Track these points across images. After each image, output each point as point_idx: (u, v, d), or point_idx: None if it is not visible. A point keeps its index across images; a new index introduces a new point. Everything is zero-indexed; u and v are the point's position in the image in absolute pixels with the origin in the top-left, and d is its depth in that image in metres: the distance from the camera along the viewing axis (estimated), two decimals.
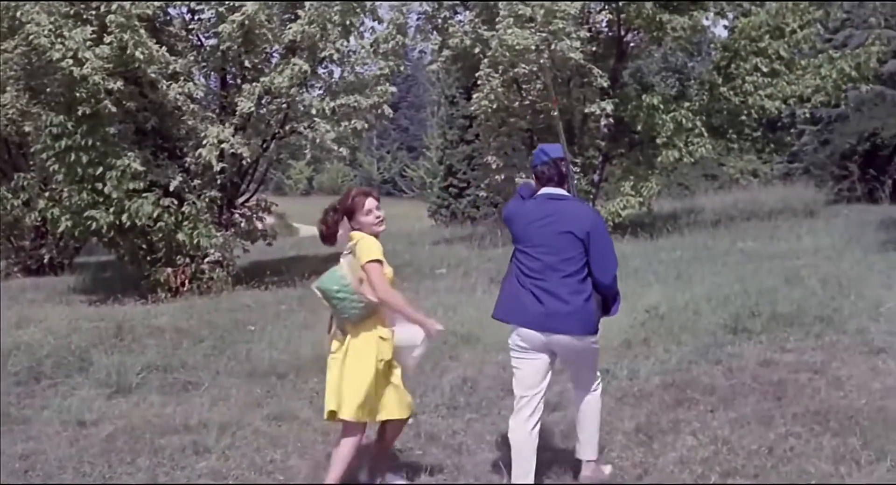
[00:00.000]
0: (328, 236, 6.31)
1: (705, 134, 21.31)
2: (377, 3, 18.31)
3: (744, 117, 22.19)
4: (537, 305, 5.84)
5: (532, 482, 5.92)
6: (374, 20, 18.65)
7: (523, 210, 6.09)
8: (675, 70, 29.47)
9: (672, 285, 13.01)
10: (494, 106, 21.19)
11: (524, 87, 22.11)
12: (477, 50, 21.41)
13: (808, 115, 26.30)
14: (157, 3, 16.80)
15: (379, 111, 18.06)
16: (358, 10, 17.83)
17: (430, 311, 12.29)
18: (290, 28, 17.12)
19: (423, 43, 23.94)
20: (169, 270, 16.69)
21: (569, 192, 6.09)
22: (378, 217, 6.13)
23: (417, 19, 23.88)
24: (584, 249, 5.88)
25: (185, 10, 18.27)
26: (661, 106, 21.03)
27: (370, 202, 6.11)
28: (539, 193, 6.10)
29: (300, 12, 17.34)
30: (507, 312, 6.01)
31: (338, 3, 17.18)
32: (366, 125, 17.85)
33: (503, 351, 9.77)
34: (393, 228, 33.75)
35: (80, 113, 15.70)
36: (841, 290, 11.73)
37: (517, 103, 21.95)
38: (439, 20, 23.27)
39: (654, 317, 10.89)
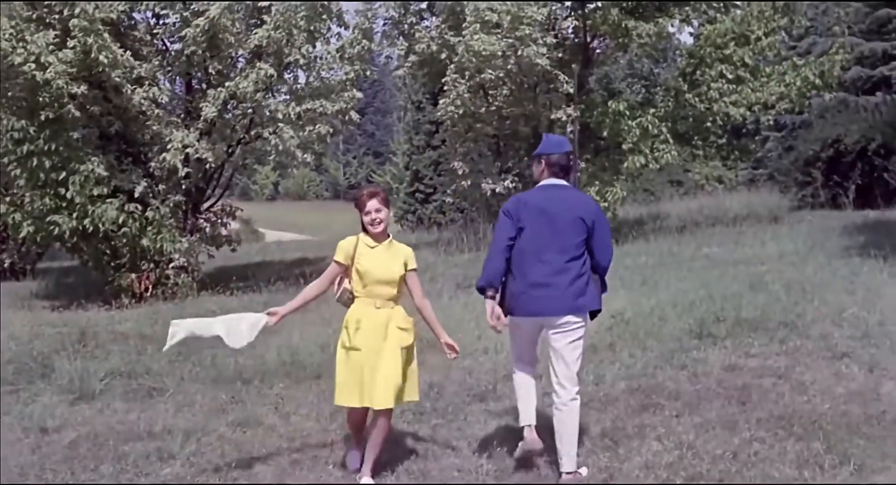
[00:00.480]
0: None
1: (671, 140, 21.37)
2: (343, 8, 18.28)
3: (709, 124, 22.28)
4: (551, 291, 6.35)
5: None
6: (340, 26, 18.67)
7: (533, 198, 6.46)
8: (641, 76, 29.58)
9: (637, 291, 13.03)
10: (461, 111, 21.20)
11: (491, 92, 22.11)
12: (443, 55, 21.45)
13: (772, 122, 26.45)
14: (121, 8, 16.71)
15: (346, 117, 18.02)
16: (324, 15, 17.82)
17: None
18: (255, 33, 17.08)
19: (390, 48, 23.94)
20: (133, 275, 16.63)
21: (572, 183, 6.45)
22: (373, 219, 6.54)
23: (384, 24, 23.95)
24: (588, 234, 6.40)
25: (149, 14, 18.23)
26: (627, 112, 21.09)
27: (370, 204, 6.55)
28: (546, 182, 6.51)
29: (266, 17, 17.33)
30: (522, 309, 6.45)
31: (304, 9, 17.12)
32: (331, 130, 17.86)
33: (469, 356, 9.85)
34: (351, 235, 33.77)
35: (42, 117, 15.62)
36: (804, 295, 11.74)
37: (484, 109, 21.96)
38: (406, 25, 23.30)
39: (620, 322, 10.91)
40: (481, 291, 6.48)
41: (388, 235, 6.74)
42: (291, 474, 6.83)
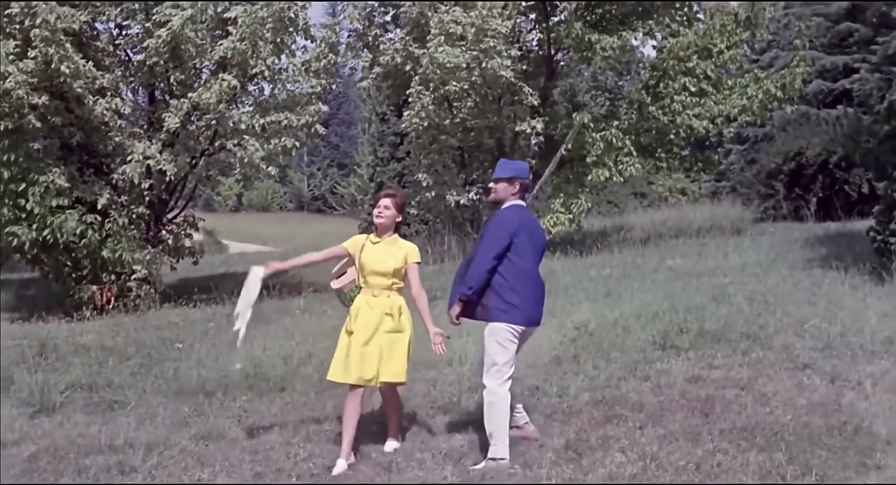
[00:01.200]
0: None
1: (634, 153, 21.45)
2: (310, 21, 18.23)
3: (672, 136, 22.39)
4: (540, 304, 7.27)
5: None
6: (306, 38, 18.59)
7: (525, 220, 7.17)
8: (605, 89, 29.73)
9: (601, 303, 13.05)
10: (425, 124, 21.17)
11: (455, 104, 22.12)
12: (408, 67, 21.45)
13: (733, 135, 26.60)
14: (83, 18, 16.59)
15: (311, 130, 17.96)
16: (290, 28, 17.76)
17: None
18: (220, 44, 16.99)
19: (354, 60, 23.86)
20: (94, 287, 16.48)
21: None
22: (378, 212, 7.40)
23: (348, 36, 23.88)
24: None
25: (112, 24, 18.08)
26: (591, 125, 21.16)
27: (382, 201, 7.43)
28: (517, 203, 7.22)
29: (231, 29, 17.22)
30: (531, 320, 7.19)
31: (270, 21, 17.05)
32: (296, 143, 17.77)
33: (433, 368, 9.82)
34: (324, 245, 33.67)
35: (2, 128, 15.47)
36: (767, 307, 11.82)
37: (448, 121, 21.95)
38: (370, 37, 23.26)
39: (584, 334, 10.93)
40: (469, 296, 7.01)
41: (393, 234, 7.46)
42: None
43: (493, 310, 7.03)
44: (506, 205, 7.20)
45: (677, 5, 23.17)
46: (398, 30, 23.47)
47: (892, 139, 13.45)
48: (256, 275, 7.73)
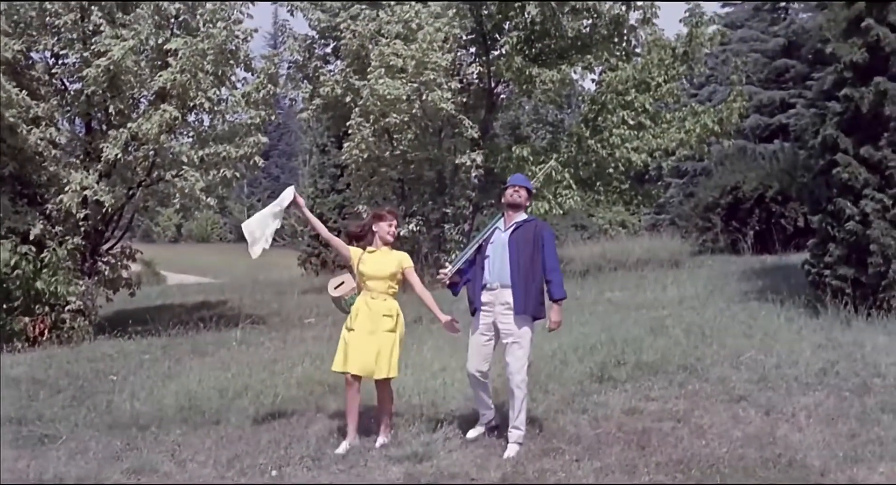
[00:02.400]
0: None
1: (573, 186, 21.56)
2: (251, 53, 18.18)
3: (611, 170, 22.53)
4: None
5: None
6: (246, 70, 18.49)
7: None
8: (548, 122, 29.95)
9: (539, 335, 12.85)
10: (365, 155, 21.13)
11: (396, 136, 22.10)
12: (348, 99, 21.41)
13: (672, 169, 26.83)
14: (17, 47, 16.39)
15: (251, 162, 17.84)
16: (231, 60, 17.66)
17: (298, 360, 12.25)
18: (160, 76, 16.82)
19: (294, 91, 23.81)
20: (26, 319, 16.14)
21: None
22: (391, 232, 8.47)
23: (288, 68, 23.84)
24: None
25: (48, 54, 17.87)
26: (531, 158, 21.25)
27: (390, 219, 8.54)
28: None
29: (171, 60, 17.07)
30: None
31: (211, 53, 16.95)
32: (237, 175, 17.62)
33: (371, 400, 9.73)
34: (261, 277, 33.45)
35: None
36: (704, 339, 11.91)
37: (388, 153, 21.92)
38: (310, 69, 23.23)
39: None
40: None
41: (385, 245, 8.43)
42: None
43: (540, 308, 8.10)
44: (527, 216, 8.27)
45: (615, 40, 23.40)
46: (338, 61, 23.45)
47: (826, 174, 13.60)
48: (286, 196, 8.71)
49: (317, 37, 24.11)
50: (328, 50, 24.33)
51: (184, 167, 17.04)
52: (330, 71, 23.11)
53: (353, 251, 8.48)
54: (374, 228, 8.42)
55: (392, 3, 21.29)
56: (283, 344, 14.47)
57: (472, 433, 8.39)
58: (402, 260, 8.40)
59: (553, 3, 21.24)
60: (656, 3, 23.23)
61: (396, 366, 8.41)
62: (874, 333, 11.86)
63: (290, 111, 55.68)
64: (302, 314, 18.74)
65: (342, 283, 8.94)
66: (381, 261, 8.32)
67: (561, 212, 21.86)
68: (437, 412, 9.19)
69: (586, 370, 10.54)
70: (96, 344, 15.92)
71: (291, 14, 23.94)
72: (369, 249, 8.42)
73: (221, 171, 17.29)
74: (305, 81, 23.55)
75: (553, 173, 20.92)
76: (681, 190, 42.23)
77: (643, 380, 10.08)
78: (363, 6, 21.56)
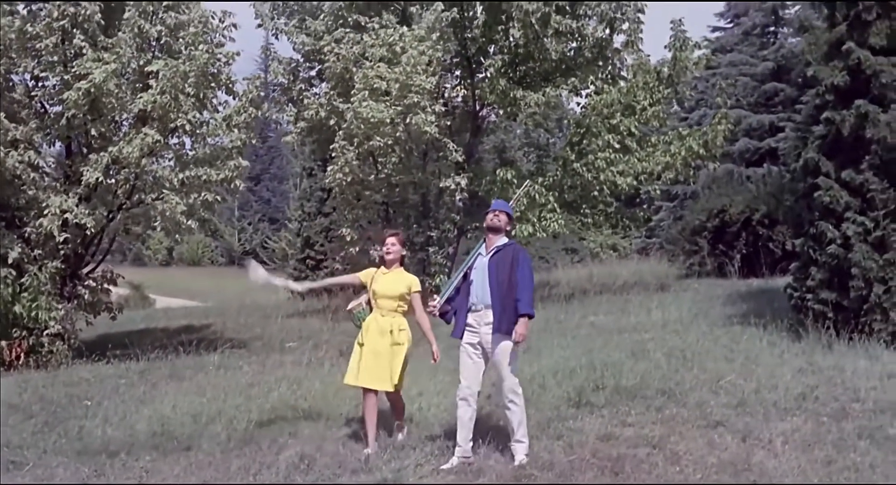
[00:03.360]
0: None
1: (558, 209, 21.48)
2: (233, 76, 18.11)
3: (595, 193, 22.43)
4: None
5: None
6: (228, 94, 18.40)
7: None
8: (536, 146, 29.95)
9: (520, 358, 12.86)
10: (349, 179, 20.97)
11: (381, 160, 21.99)
12: (332, 122, 21.31)
13: (658, 192, 26.79)
14: None
15: (231, 186, 17.71)
16: (213, 83, 17.58)
17: (275, 384, 12.14)
18: (140, 97, 16.71)
19: (279, 114, 23.72)
20: (3, 343, 15.98)
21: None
22: (386, 250, 9.15)
23: (273, 90, 23.77)
24: None
25: (28, 76, 17.76)
26: (515, 181, 21.17)
27: (388, 240, 9.20)
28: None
29: (152, 82, 16.96)
30: None
31: (192, 75, 16.86)
32: (218, 198, 17.48)
33: (346, 426, 9.63)
34: (248, 301, 33.30)
35: None
36: (685, 363, 11.85)
37: (373, 177, 21.82)
38: (294, 92, 23.15)
39: (498, 391, 10.77)
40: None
41: (399, 266, 9.15)
42: None
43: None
44: (508, 240, 8.53)
45: (600, 63, 23.41)
46: (323, 84, 23.38)
47: (808, 197, 13.55)
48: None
49: (301, 60, 24.03)
50: (313, 73, 24.24)
51: (164, 190, 16.89)
52: (315, 94, 22.98)
53: (367, 272, 9.25)
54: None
55: (376, 26, 21.20)
56: (262, 368, 14.38)
57: (445, 465, 8.29)
58: (412, 283, 9.08)
59: (536, 27, 21.17)
60: (640, 26, 23.17)
61: (400, 378, 8.98)
62: (855, 357, 11.79)
63: (280, 134, 55.76)
64: (284, 338, 18.66)
65: (359, 303, 9.36)
66: (393, 281, 9.01)
67: (544, 235, 21.77)
68: (410, 439, 9.10)
69: (564, 395, 10.45)
70: (74, 368, 15.80)
71: (276, 37, 23.96)
72: (383, 269, 9.14)
73: (203, 194, 17.15)
74: (290, 104, 23.44)
75: (536, 196, 20.85)
76: (671, 213, 42.26)
77: (621, 405, 9.98)
78: (347, 30, 21.43)
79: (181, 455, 9.17)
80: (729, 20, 45.03)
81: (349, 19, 22.15)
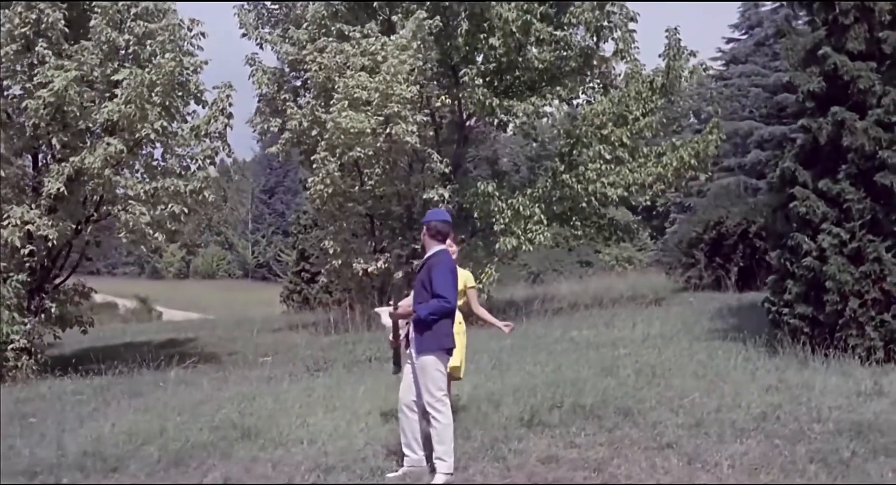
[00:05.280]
0: None
1: (545, 221, 21.06)
2: (203, 86, 17.75)
3: (584, 204, 21.96)
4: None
5: None
6: (197, 103, 18.03)
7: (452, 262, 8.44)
8: (528, 157, 29.56)
9: (487, 375, 12.60)
10: (331, 190, 20.57)
11: (366, 171, 21.59)
12: (314, 132, 20.95)
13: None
14: None
15: (199, 197, 17.27)
16: (180, 92, 17.23)
17: (227, 401, 11.77)
18: (105, 107, 16.35)
19: (264, 125, 23.32)
20: None
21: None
22: (455, 250, 9.06)
23: (258, 101, 23.44)
24: None
25: None
26: (497, 193, 20.77)
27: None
28: (444, 248, 8.35)
29: (117, 91, 16.58)
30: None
31: (159, 84, 16.52)
32: (184, 210, 17.03)
33: (281, 447, 9.25)
34: (242, 315, 33.11)
35: None
36: (653, 379, 11.52)
37: (356, 188, 21.43)
38: (279, 102, 22.77)
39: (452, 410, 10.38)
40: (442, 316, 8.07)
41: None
42: None
43: (439, 340, 8.14)
44: (436, 251, 8.31)
45: (587, 72, 23.06)
46: (308, 93, 23.03)
47: (785, 208, 13.09)
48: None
49: (287, 70, 23.71)
50: (298, 83, 23.92)
51: (130, 201, 16.52)
52: (299, 104, 22.58)
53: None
54: None
55: (358, 35, 20.84)
56: (222, 384, 14.01)
57: (391, 475, 8.17)
58: (468, 279, 9.71)
59: (518, 35, 20.79)
60: (632, 33, 22.80)
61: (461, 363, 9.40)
62: (829, 374, 11.39)
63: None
64: (262, 352, 18.35)
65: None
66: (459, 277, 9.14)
67: (530, 248, 21.33)
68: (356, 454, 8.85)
69: (517, 414, 10.00)
70: (36, 384, 15.48)
71: (261, 47, 23.66)
72: None
73: (170, 205, 16.74)
74: (276, 115, 23.02)
75: (521, 208, 20.46)
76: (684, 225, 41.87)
77: (574, 424, 9.58)
78: (330, 39, 21.06)
79: (106, 476, 8.81)
80: (743, 31, 44.59)
81: (332, 28, 21.80)
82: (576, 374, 11.99)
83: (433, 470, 8.05)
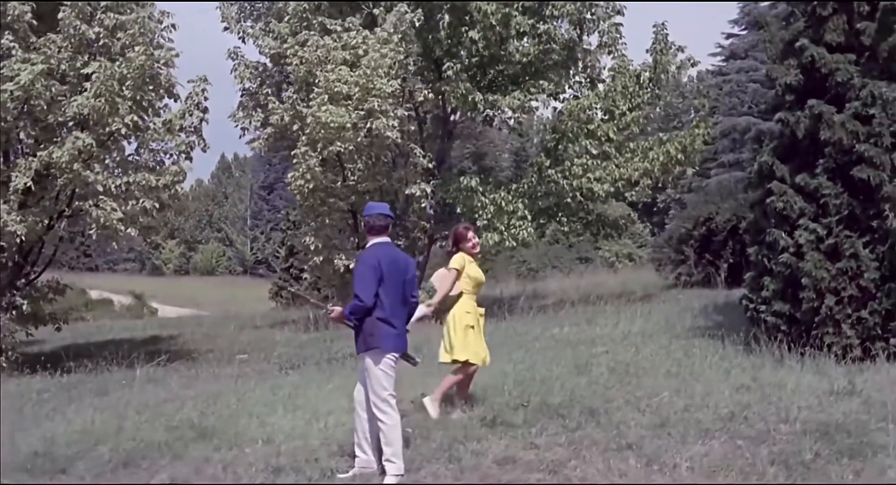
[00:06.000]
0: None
1: (528, 217, 20.82)
2: (175, 80, 17.49)
3: (568, 200, 21.71)
4: (403, 332, 8.07)
5: None
6: (169, 97, 17.76)
7: (386, 255, 7.97)
8: (513, 152, 29.33)
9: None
10: (311, 185, 20.32)
11: (348, 166, 21.34)
12: (296, 127, 20.70)
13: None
14: None
15: (173, 191, 17.01)
16: (151, 86, 16.95)
17: (189, 400, 11.54)
18: (74, 100, 16.08)
19: (246, 119, 23.04)
20: None
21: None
22: (475, 243, 9.81)
23: (241, 96, 23.19)
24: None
25: None
26: (480, 188, 20.52)
27: (472, 234, 9.78)
28: (380, 241, 8.08)
29: (87, 84, 16.31)
30: (398, 347, 8.02)
31: (130, 78, 16.24)
32: (155, 205, 16.76)
33: (236, 447, 9.02)
34: (231, 312, 32.87)
35: None
36: (625, 378, 11.25)
37: (338, 183, 21.18)
38: (261, 96, 22.50)
39: (414, 410, 10.14)
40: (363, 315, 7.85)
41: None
42: None
43: (368, 339, 7.93)
44: (371, 244, 8.13)
45: (570, 66, 22.81)
46: (290, 87, 22.77)
47: (763, 203, 12.83)
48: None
49: (270, 64, 23.45)
50: (281, 78, 23.65)
51: (101, 197, 16.26)
52: (282, 99, 22.31)
53: (458, 260, 9.54)
54: (460, 246, 9.63)
55: (339, 29, 20.59)
56: (194, 381, 13.80)
57: (341, 476, 8.05)
58: (478, 275, 9.83)
59: (498, 28, 20.53)
60: (618, 27, 22.56)
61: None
62: (804, 372, 11.11)
63: None
64: (239, 350, 18.13)
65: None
66: (479, 269, 9.85)
67: (514, 243, 21.07)
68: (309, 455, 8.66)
69: (479, 414, 9.76)
70: (5, 382, 15.23)
71: (243, 41, 23.36)
72: (468, 258, 9.62)
73: (141, 201, 16.47)
74: (259, 110, 22.76)
75: (503, 204, 20.22)
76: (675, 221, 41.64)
77: (537, 424, 9.33)
78: (312, 33, 20.81)
79: (53, 478, 8.60)
80: (743, 27, 44.26)
81: (314, 22, 21.53)
82: (548, 372, 11.72)
83: (384, 472, 7.81)
